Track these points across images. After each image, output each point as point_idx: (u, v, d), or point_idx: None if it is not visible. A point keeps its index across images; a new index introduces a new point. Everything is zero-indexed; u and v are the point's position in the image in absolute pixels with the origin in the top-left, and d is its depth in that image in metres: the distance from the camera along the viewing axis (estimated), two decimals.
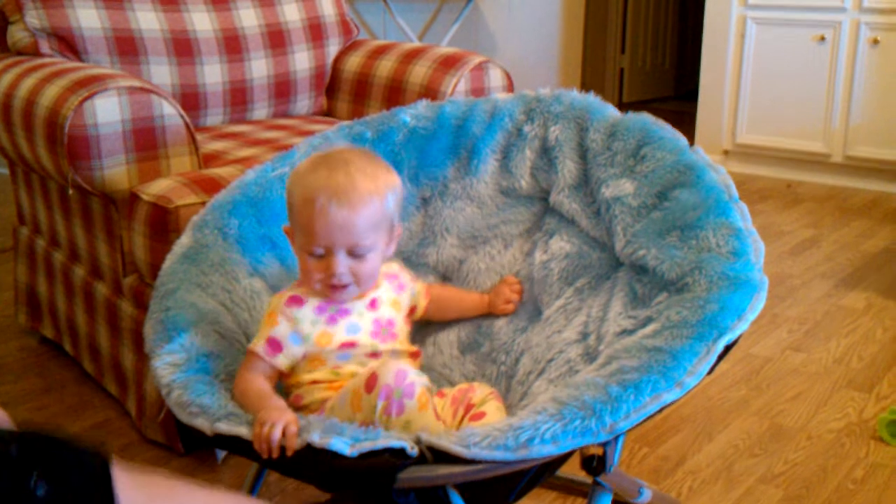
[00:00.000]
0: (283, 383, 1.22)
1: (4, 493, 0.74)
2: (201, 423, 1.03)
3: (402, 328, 1.28)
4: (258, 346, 1.17)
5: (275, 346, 1.17)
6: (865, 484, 1.66)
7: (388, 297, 1.27)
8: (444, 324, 1.45)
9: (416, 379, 1.08)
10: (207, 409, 1.04)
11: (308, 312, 1.20)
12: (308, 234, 1.16)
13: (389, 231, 1.22)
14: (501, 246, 1.48)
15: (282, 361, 1.18)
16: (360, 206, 1.15)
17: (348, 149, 1.24)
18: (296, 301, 1.20)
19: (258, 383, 1.14)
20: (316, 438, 0.95)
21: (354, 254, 1.17)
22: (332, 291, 1.19)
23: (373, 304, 1.24)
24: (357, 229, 1.15)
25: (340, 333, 1.21)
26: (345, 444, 0.94)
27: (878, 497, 1.62)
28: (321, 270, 1.17)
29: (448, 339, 1.44)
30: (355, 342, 1.21)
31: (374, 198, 1.17)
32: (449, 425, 1.21)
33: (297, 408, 1.18)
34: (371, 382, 1.08)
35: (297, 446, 0.97)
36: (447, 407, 1.24)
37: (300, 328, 1.19)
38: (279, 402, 1.08)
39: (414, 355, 1.29)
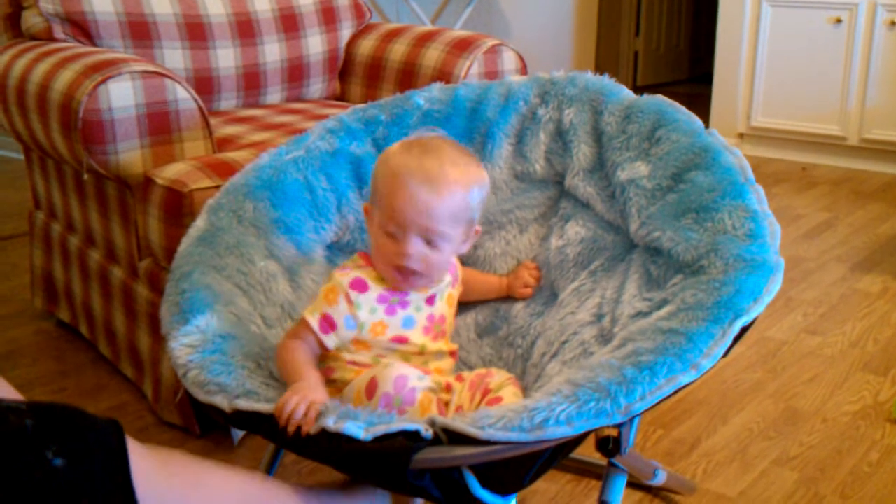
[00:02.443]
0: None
1: (22, 465, 0.75)
2: (220, 401, 1.04)
3: (451, 325, 1.28)
4: (312, 319, 1.16)
5: (329, 323, 1.16)
6: (881, 467, 1.66)
7: (446, 293, 1.26)
8: (462, 307, 1.45)
9: (417, 384, 1.08)
10: (226, 388, 1.05)
11: (369, 299, 1.18)
12: (387, 211, 1.16)
13: (468, 227, 1.22)
14: (517, 231, 1.48)
15: (332, 341, 1.17)
16: (446, 193, 1.15)
17: (442, 138, 1.24)
18: (360, 285, 1.19)
19: (304, 354, 1.13)
20: (331, 423, 0.96)
21: (429, 240, 1.16)
22: (399, 275, 1.18)
23: (430, 300, 1.24)
24: (437, 216, 1.15)
25: (395, 327, 1.20)
26: (359, 429, 0.95)
27: (894, 480, 1.62)
28: (394, 252, 1.16)
29: (465, 323, 1.44)
30: (407, 338, 1.21)
31: (460, 189, 1.16)
32: (467, 409, 1.22)
33: (326, 380, 1.19)
34: (371, 388, 1.08)
35: (313, 431, 0.97)
36: (465, 391, 1.24)
37: (358, 314, 1.17)
38: (315, 378, 1.08)
39: (453, 354, 1.28)
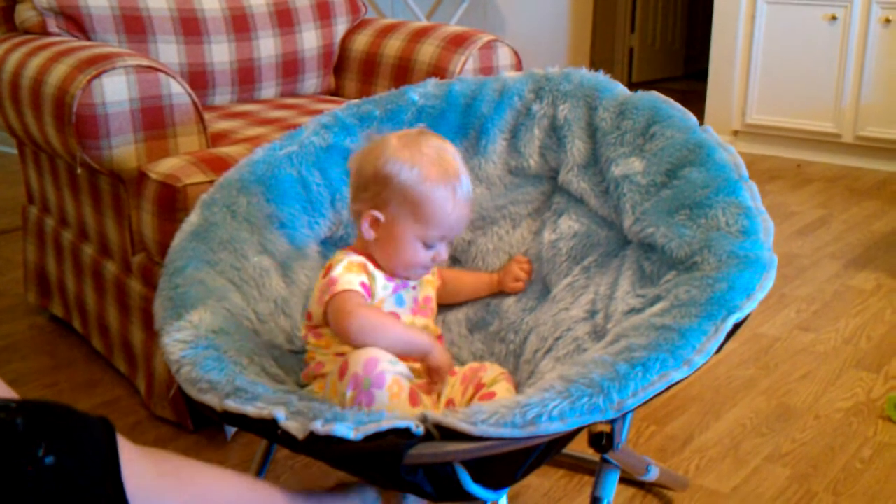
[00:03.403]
0: (312, 345, 1.23)
1: (12, 463, 0.75)
2: (210, 400, 1.04)
3: (434, 307, 1.32)
4: (355, 285, 1.18)
5: (367, 291, 1.20)
6: (873, 463, 1.66)
7: (425, 276, 1.31)
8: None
9: (388, 367, 1.08)
10: (216, 385, 1.04)
11: (381, 276, 1.24)
12: (436, 227, 1.21)
13: None
14: (510, 226, 1.48)
15: None
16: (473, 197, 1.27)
17: (438, 138, 1.27)
18: (373, 264, 1.24)
19: (388, 316, 1.20)
20: (319, 426, 0.95)
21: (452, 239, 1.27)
22: (423, 271, 1.27)
23: (415, 285, 1.29)
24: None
25: (390, 304, 1.25)
26: (348, 429, 0.94)
27: (886, 476, 1.62)
28: (427, 256, 1.23)
29: (456, 318, 1.44)
30: (399, 316, 1.25)
31: None
32: (458, 403, 1.22)
33: (317, 375, 1.21)
34: (343, 369, 1.08)
35: (302, 435, 0.97)
36: (457, 385, 1.25)
37: (374, 286, 1.22)
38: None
39: (439, 338, 1.30)
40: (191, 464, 1.01)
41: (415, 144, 1.22)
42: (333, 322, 1.17)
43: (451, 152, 1.24)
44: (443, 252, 1.25)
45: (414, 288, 1.28)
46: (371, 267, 1.23)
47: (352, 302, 1.16)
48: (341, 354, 1.19)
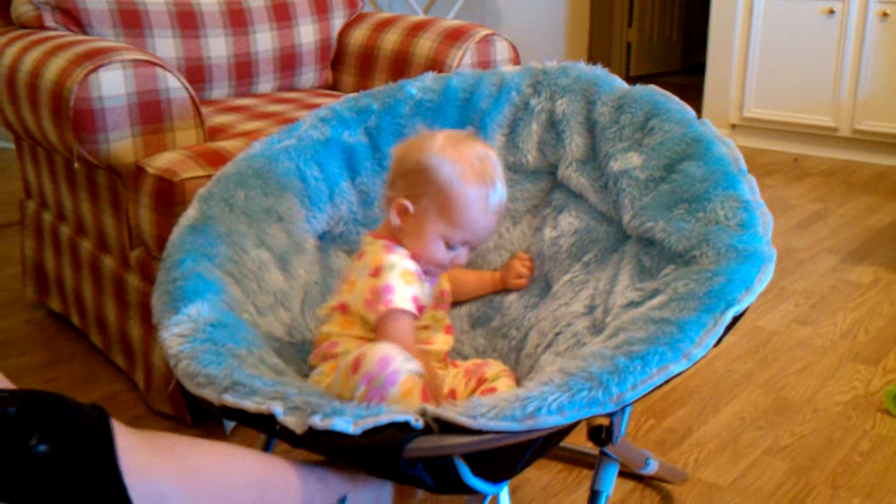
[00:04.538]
0: (334, 321, 1.24)
1: (6, 452, 0.75)
2: (208, 394, 1.03)
3: (449, 300, 1.35)
4: (409, 302, 1.18)
5: (419, 307, 1.21)
6: (871, 456, 1.67)
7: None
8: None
9: (402, 366, 1.07)
10: (214, 380, 1.04)
11: (420, 273, 1.25)
12: (462, 229, 1.23)
13: None
14: (510, 223, 1.48)
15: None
16: None
17: (483, 144, 1.29)
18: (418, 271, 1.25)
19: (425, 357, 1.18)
20: (317, 420, 0.95)
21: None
22: (442, 269, 1.29)
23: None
24: None
25: (422, 298, 1.25)
26: (347, 423, 0.94)
27: (885, 469, 1.62)
28: (448, 256, 1.25)
29: (458, 314, 1.44)
30: (425, 307, 1.26)
31: None
32: (460, 394, 1.23)
33: (328, 356, 1.21)
34: (356, 364, 1.08)
35: (301, 429, 0.97)
36: (460, 377, 1.25)
37: (420, 294, 1.23)
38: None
39: (447, 329, 1.32)
40: (187, 440, 0.99)
41: (461, 144, 1.24)
42: (382, 339, 1.17)
43: (493, 160, 1.25)
44: (462, 256, 1.27)
45: (436, 280, 1.31)
46: (419, 271, 1.24)
47: (402, 339, 1.16)
48: (361, 339, 1.20)
